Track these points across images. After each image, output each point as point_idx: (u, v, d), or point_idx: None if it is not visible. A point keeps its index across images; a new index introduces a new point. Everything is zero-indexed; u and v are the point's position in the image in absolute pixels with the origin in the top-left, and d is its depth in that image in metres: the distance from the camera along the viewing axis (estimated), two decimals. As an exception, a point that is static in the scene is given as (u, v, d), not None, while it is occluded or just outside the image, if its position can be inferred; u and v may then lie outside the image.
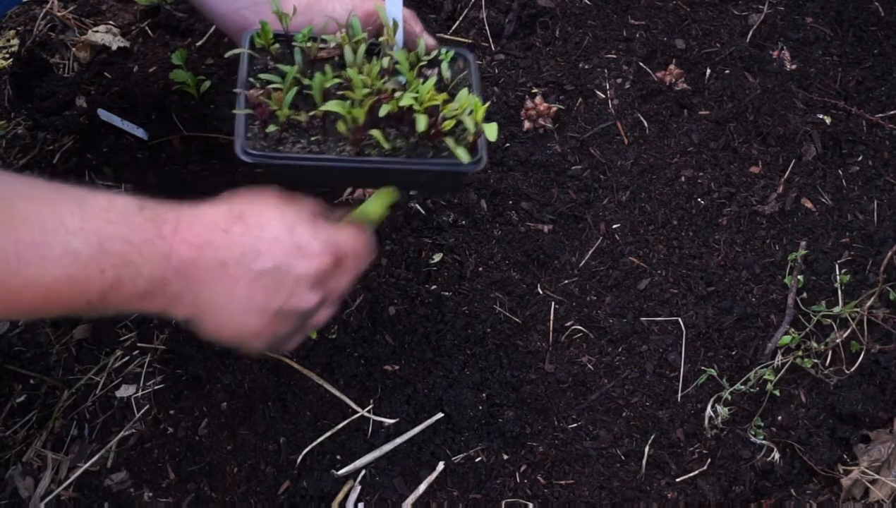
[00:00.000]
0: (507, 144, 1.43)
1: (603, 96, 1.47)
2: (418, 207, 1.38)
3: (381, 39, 1.09)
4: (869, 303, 1.23)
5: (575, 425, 1.24)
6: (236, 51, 1.10)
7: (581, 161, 1.42)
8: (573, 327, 1.30)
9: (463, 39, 1.52)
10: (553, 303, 1.32)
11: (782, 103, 1.45)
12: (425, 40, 1.10)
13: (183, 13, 1.60)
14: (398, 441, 1.22)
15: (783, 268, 1.33)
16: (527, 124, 1.44)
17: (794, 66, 1.48)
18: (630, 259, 1.34)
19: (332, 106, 1.01)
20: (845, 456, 1.21)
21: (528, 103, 1.45)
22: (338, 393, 1.25)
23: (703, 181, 1.40)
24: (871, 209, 1.37)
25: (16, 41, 1.63)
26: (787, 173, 1.40)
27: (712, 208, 1.38)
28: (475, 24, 1.54)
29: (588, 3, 1.55)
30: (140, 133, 1.45)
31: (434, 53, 1.12)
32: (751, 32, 1.51)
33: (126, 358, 1.31)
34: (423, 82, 1.04)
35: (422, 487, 1.19)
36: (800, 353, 1.23)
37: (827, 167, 1.41)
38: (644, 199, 1.39)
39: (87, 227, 0.76)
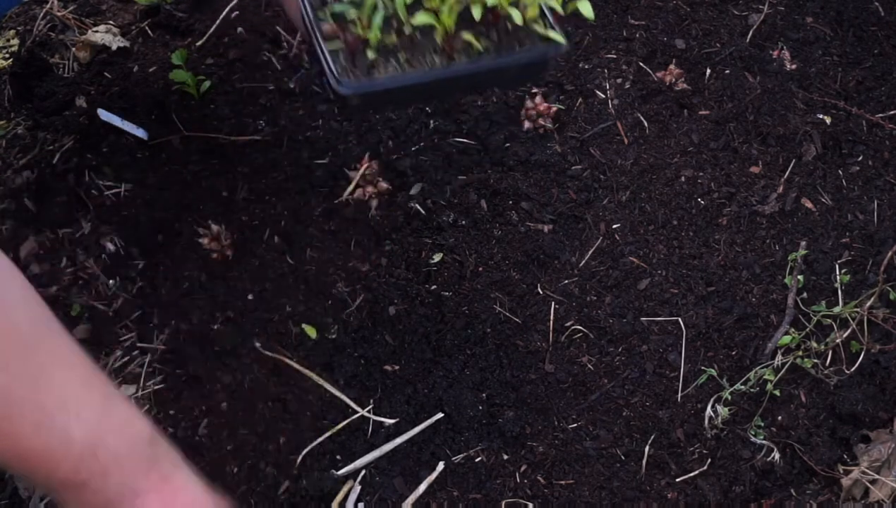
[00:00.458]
0: (507, 144, 1.43)
1: (603, 96, 1.47)
2: (418, 207, 1.38)
3: None
4: (869, 303, 1.23)
5: (575, 425, 1.24)
6: None
7: (581, 161, 1.42)
8: (573, 327, 1.30)
9: (463, 39, 1.52)
10: (553, 303, 1.32)
11: (782, 103, 1.45)
12: None
13: (183, 13, 1.60)
14: (398, 441, 1.22)
15: (783, 268, 1.33)
16: (527, 124, 1.44)
17: (794, 66, 1.48)
18: (630, 259, 1.34)
19: (422, 18, 0.99)
20: (845, 456, 1.21)
21: (528, 103, 1.45)
22: (338, 393, 1.25)
23: (703, 181, 1.40)
24: (871, 209, 1.37)
25: (16, 41, 1.63)
26: (787, 173, 1.40)
27: (712, 208, 1.38)
28: (475, 24, 1.54)
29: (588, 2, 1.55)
30: (140, 133, 1.45)
31: None
32: (751, 32, 1.51)
33: (126, 358, 1.31)
34: None
35: (422, 487, 1.19)
36: (800, 353, 1.23)
37: (827, 167, 1.41)
38: (644, 199, 1.39)
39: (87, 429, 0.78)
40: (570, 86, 1.47)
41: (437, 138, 1.42)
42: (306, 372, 1.27)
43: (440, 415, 1.23)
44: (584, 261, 1.35)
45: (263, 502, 1.19)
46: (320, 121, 1.46)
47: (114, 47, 1.56)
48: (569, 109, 1.46)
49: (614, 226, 1.37)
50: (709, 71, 1.48)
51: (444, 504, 1.18)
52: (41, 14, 1.64)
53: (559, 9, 1.00)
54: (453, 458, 1.22)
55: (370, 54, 1.01)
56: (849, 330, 1.24)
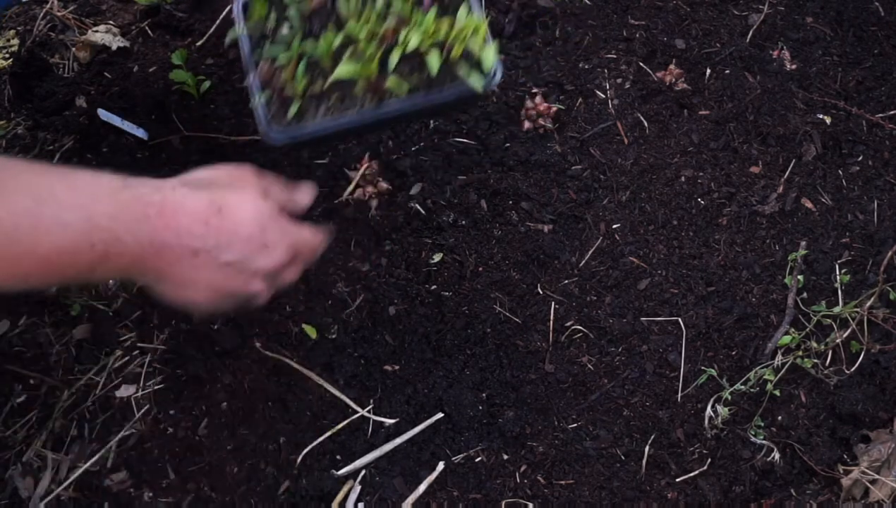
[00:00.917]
0: (507, 144, 1.43)
1: (603, 96, 1.47)
2: (418, 207, 1.38)
3: None
4: (869, 303, 1.23)
5: (575, 425, 1.24)
6: (234, 35, 1.09)
7: (581, 161, 1.42)
8: (573, 327, 1.30)
9: (463, 39, 1.52)
10: (553, 303, 1.32)
11: (782, 103, 1.45)
12: None
13: (183, 13, 1.60)
14: (398, 441, 1.22)
15: (783, 268, 1.33)
16: (527, 124, 1.44)
17: (794, 66, 1.48)
18: (630, 259, 1.34)
19: (343, 73, 1.00)
20: (845, 456, 1.21)
21: (528, 103, 1.45)
22: (338, 393, 1.25)
23: (703, 181, 1.40)
24: (871, 209, 1.37)
25: (16, 41, 1.63)
26: (787, 173, 1.40)
27: (712, 208, 1.38)
28: (475, 24, 1.54)
29: (588, 3, 1.55)
30: (140, 133, 1.45)
31: None
32: (751, 32, 1.51)
33: (126, 358, 1.31)
34: (424, 12, 1.02)
35: (422, 487, 1.19)
36: (800, 353, 1.23)
37: (827, 167, 1.41)
38: (644, 199, 1.39)
39: (77, 202, 0.80)
40: (570, 87, 1.47)
41: (437, 138, 1.42)
42: (306, 372, 1.27)
43: (440, 415, 1.23)
44: (584, 261, 1.35)
45: (263, 502, 1.20)
46: (320, 121, 1.46)
47: (114, 47, 1.56)
48: (569, 109, 1.46)
49: (614, 226, 1.37)
50: (709, 71, 1.48)
51: (444, 504, 1.18)
52: (41, 14, 1.64)
53: (479, 52, 1.00)
54: (453, 458, 1.22)
55: (294, 107, 1.02)
56: (849, 330, 1.24)
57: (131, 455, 1.24)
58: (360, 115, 1.02)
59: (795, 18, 1.53)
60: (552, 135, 1.44)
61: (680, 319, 1.30)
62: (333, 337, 1.29)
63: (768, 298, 1.31)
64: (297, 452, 1.22)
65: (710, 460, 1.21)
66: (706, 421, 1.22)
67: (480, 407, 1.24)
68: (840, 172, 1.41)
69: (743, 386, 1.23)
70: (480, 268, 1.35)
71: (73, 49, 1.59)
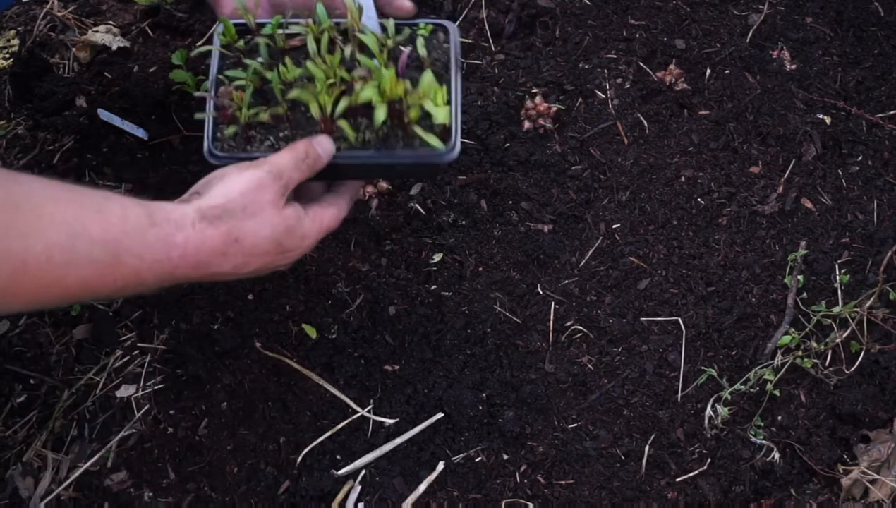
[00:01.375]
0: (507, 144, 1.43)
1: (603, 96, 1.47)
2: (418, 207, 1.38)
3: (346, 23, 1.08)
4: (869, 303, 1.23)
5: (575, 425, 1.24)
6: (205, 48, 1.10)
7: (581, 161, 1.42)
8: (573, 327, 1.30)
9: (463, 39, 1.52)
10: (553, 303, 1.32)
11: (782, 103, 1.45)
12: (399, 3, 1.10)
13: (183, 13, 1.60)
14: (398, 441, 1.22)
15: (783, 268, 1.33)
16: (527, 124, 1.44)
17: (794, 66, 1.48)
18: (630, 259, 1.35)
19: (298, 94, 1.01)
20: (845, 456, 1.21)
21: (528, 103, 1.45)
22: (338, 393, 1.26)
23: (703, 181, 1.40)
24: (871, 209, 1.37)
25: (16, 41, 1.63)
26: (787, 173, 1.40)
27: (712, 208, 1.38)
28: (475, 24, 1.54)
29: (588, 3, 1.55)
30: (140, 133, 1.45)
31: (405, 33, 1.09)
32: (751, 32, 1.51)
33: (126, 358, 1.31)
34: (392, 67, 1.03)
35: (422, 487, 1.19)
36: (800, 353, 1.23)
37: (827, 167, 1.41)
38: (644, 199, 1.39)
39: (107, 238, 0.84)
40: (570, 87, 1.47)
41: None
42: (306, 372, 1.27)
43: (440, 415, 1.23)
44: (584, 261, 1.35)
45: (263, 502, 1.20)
46: (320, 121, 1.46)
47: (114, 47, 1.56)
48: (569, 109, 1.46)
49: (614, 226, 1.37)
50: (709, 71, 1.48)
51: (444, 504, 1.18)
52: (41, 14, 1.64)
53: (437, 116, 1.00)
54: (453, 458, 1.22)
55: (230, 129, 1.04)
56: (849, 330, 1.24)
57: (131, 455, 1.24)
58: None
59: (795, 18, 1.53)
60: (552, 135, 1.44)
61: (680, 319, 1.30)
62: (333, 337, 1.29)
63: (768, 298, 1.31)
64: (297, 452, 1.22)
65: (710, 460, 1.21)
66: (706, 421, 1.22)
67: (480, 407, 1.24)
68: (840, 172, 1.41)
69: (743, 386, 1.23)
70: (480, 268, 1.35)
71: (73, 49, 1.59)
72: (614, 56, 1.50)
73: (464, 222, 1.37)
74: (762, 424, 1.22)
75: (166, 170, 1.43)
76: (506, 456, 1.22)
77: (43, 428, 1.27)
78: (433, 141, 1.00)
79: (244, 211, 0.95)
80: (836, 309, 1.26)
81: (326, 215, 1.04)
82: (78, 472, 1.23)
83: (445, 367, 1.27)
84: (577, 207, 1.39)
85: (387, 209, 1.38)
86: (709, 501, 1.18)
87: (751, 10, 1.54)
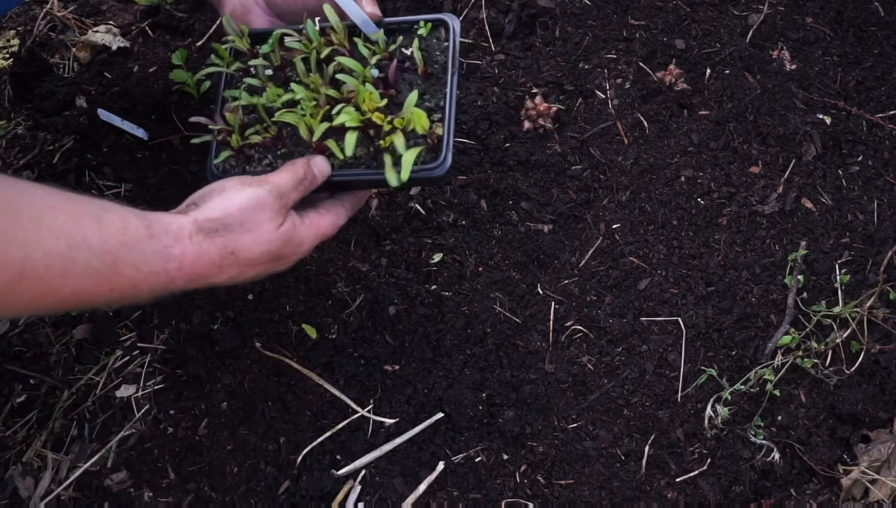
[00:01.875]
0: (507, 144, 1.43)
1: (603, 96, 1.47)
2: (418, 207, 1.38)
3: (334, 43, 1.08)
4: (869, 303, 1.23)
5: (575, 425, 1.24)
6: (210, 70, 1.13)
7: (581, 161, 1.42)
8: (573, 327, 1.30)
9: (463, 39, 1.52)
10: (553, 303, 1.32)
11: (782, 103, 1.45)
12: (362, 12, 1.11)
13: (183, 13, 1.60)
14: (398, 441, 1.22)
15: (783, 268, 1.33)
16: (527, 124, 1.44)
17: (794, 66, 1.48)
18: (630, 259, 1.35)
19: (285, 117, 1.02)
20: (845, 456, 1.21)
21: (528, 103, 1.45)
22: (338, 393, 1.26)
23: (703, 181, 1.40)
24: (871, 209, 1.37)
25: (16, 41, 1.63)
26: (787, 173, 1.40)
27: (712, 208, 1.38)
28: (475, 24, 1.54)
29: (588, 3, 1.55)
30: (140, 133, 1.45)
31: (397, 44, 1.09)
32: (751, 32, 1.51)
33: (126, 358, 1.31)
34: (372, 87, 1.04)
35: (422, 487, 1.19)
36: (800, 353, 1.23)
37: (827, 167, 1.41)
38: (644, 199, 1.39)
39: (105, 248, 0.85)
40: (570, 87, 1.47)
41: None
42: (306, 372, 1.27)
43: (440, 415, 1.23)
44: (584, 261, 1.35)
45: (263, 502, 1.20)
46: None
47: (114, 47, 1.56)
48: (569, 109, 1.46)
49: (614, 226, 1.37)
50: (709, 71, 1.48)
51: (444, 504, 1.18)
52: (41, 14, 1.64)
53: (403, 153, 1.02)
54: (453, 458, 1.22)
55: (224, 154, 1.08)
56: (849, 330, 1.24)
57: (131, 455, 1.24)
58: None
59: (795, 18, 1.53)
60: (552, 135, 1.44)
61: (680, 319, 1.30)
62: (333, 337, 1.29)
63: (768, 298, 1.31)
64: (297, 452, 1.22)
65: (710, 460, 1.21)
66: (706, 421, 1.22)
67: (480, 407, 1.24)
68: (840, 172, 1.41)
69: (743, 386, 1.23)
70: (480, 268, 1.35)
71: (73, 49, 1.59)
72: (614, 56, 1.50)
73: (464, 222, 1.37)
74: (762, 424, 1.22)
75: (166, 170, 1.43)
76: (506, 456, 1.22)
77: (43, 428, 1.27)
78: (392, 176, 1.02)
79: (241, 226, 0.96)
80: (837, 309, 1.26)
81: (323, 222, 1.05)
82: (78, 472, 1.23)
83: (445, 367, 1.27)
84: (577, 207, 1.39)
85: (387, 209, 1.38)
86: (709, 501, 1.18)
87: (751, 10, 1.54)
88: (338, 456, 1.22)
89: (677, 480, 1.20)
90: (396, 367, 1.27)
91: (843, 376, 1.23)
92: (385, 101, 1.04)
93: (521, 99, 1.46)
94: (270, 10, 1.19)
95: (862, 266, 1.32)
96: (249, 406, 1.26)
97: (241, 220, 0.96)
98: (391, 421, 1.23)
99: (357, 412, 1.24)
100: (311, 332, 1.29)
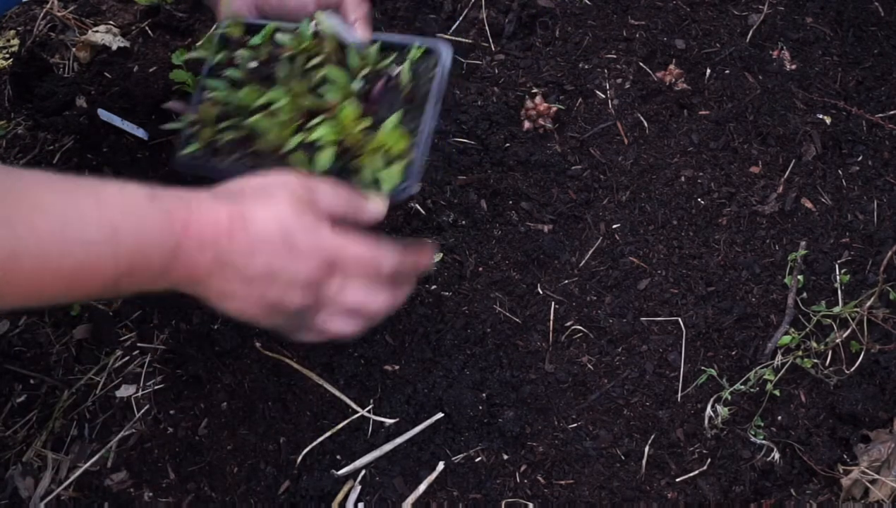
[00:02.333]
0: (507, 144, 1.43)
1: (603, 96, 1.47)
2: (418, 207, 1.38)
3: (323, 53, 1.07)
4: (869, 303, 1.23)
5: (575, 425, 1.24)
6: (194, 54, 1.11)
7: (581, 161, 1.42)
8: (573, 327, 1.30)
9: (463, 39, 1.52)
10: (553, 303, 1.32)
11: (782, 103, 1.45)
12: (355, 35, 1.07)
13: (183, 13, 1.60)
14: (398, 441, 1.22)
15: (783, 268, 1.33)
16: (527, 124, 1.44)
17: (794, 66, 1.48)
18: (630, 259, 1.35)
19: (258, 122, 1.01)
20: (845, 456, 1.21)
21: (528, 103, 1.45)
22: (338, 393, 1.26)
23: (703, 181, 1.40)
24: (871, 209, 1.37)
25: (16, 41, 1.63)
26: (787, 173, 1.40)
27: (712, 208, 1.38)
28: (475, 24, 1.54)
29: (588, 3, 1.55)
30: (140, 133, 1.45)
31: (388, 61, 1.06)
32: (751, 32, 1.51)
33: (126, 358, 1.31)
34: (355, 104, 1.02)
35: (422, 487, 1.19)
36: (800, 353, 1.23)
37: (827, 167, 1.41)
38: (644, 199, 1.39)
39: (103, 218, 0.80)
40: (570, 87, 1.47)
41: (437, 138, 1.42)
42: (306, 372, 1.27)
43: (440, 415, 1.23)
44: (584, 261, 1.35)
45: (263, 502, 1.20)
46: (320, 121, 1.46)
47: (114, 47, 1.56)
48: (569, 109, 1.46)
49: (614, 226, 1.37)
50: (709, 71, 1.48)
51: (444, 504, 1.18)
52: (41, 14, 1.65)
53: (386, 182, 1.00)
54: (453, 458, 1.22)
55: (192, 147, 1.05)
56: (849, 330, 1.24)
57: (131, 455, 1.24)
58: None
59: (795, 18, 1.53)
60: (552, 135, 1.44)
61: (680, 319, 1.30)
62: (333, 337, 1.29)
63: (768, 298, 1.31)
64: (297, 452, 1.22)
65: (710, 460, 1.21)
66: (706, 421, 1.22)
67: (480, 407, 1.24)
68: (840, 172, 1.41)
69: (743, 386, 1.23)
70: (480, 268, 1.35)
71: (73, 49, 1.59)
72: (614, 56, 1.50)
73: (464, 222, 1.37)
74: (762, 424, 1.22)
75: (166, 170, 1.43)
76: (506, 456, 1.22)
77: (43, 428, 1.27)
78: (388, 180, 1.00)
79: (256, 194, 0.88)
80: (836, 309, 1.26)
81: (358, 241, 0.95)
82: (78, 472, 1.23)
83: (445, 367, 1.27)
84: (577, 207, 1.39)
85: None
86: (709, 501, 1.18)
87: (751, 10, 1.54)
88: (338, 456, 1.22)
89: (677, 480, 1.20)
90: (396, 367, 1.27)
91: (843, 376, 1.23)
92: (368, 120, 1.02)
93: (521, 99, 1.46)
94: (257, 11, 1.18)
95: (862, 266, 1.32)
96: (249, 406, 1.26)
97: (262, 190, 0.88)
98: (391, 421, 1.23)
99: (357, 412, 1.24)
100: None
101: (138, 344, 1.32)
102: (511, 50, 1.52)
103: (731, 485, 1.19)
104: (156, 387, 1.28)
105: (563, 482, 1.20)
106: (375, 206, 0.99)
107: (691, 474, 1.20)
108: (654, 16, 1.53)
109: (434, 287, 1.33)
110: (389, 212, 1.37)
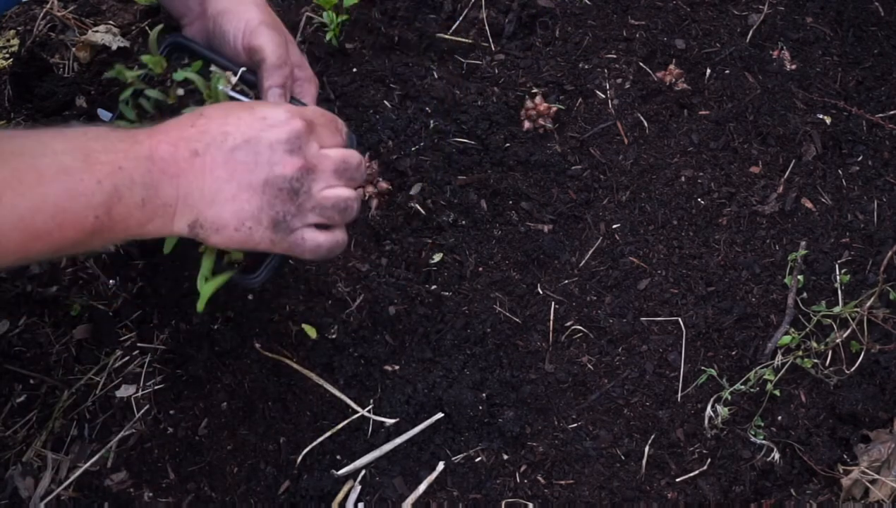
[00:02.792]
0: (507, 144, 1.43)
1: (603, 96, 1.47)
2: (418, 207, 1.38)
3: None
4: (869, 303, 1.23)
5: (575, 425, 1.24)
6: (110, 74, 1.12)
7: (581, 161, 1.42)
8: (573, 327, 1.30)
9: (463, 39, 1.52)
10: (553, 303, 1.32)
11: (782, 103, 1.45)
12: (301, 90, 1.12)
13: (183, 13, 1.60)
14: (398, 441, 1.22)
15: (783, 268, 1.33)
16: (527, 124, 1.44)
17: (794, 66, 1.48)
18: (630, 259, 1.34)
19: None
20: (845, 456, 1.21)
21: (528, 103, 1.45)
22: (338, 393, 1.25)
23: (703, 181, 1.40)
24: (871, 209, 1.37)
25: (16, 41, 1.63)
26: (787, 173, 1.40)
27: (712, 208, 1.38)
28: (475, 24, 1.54)
29: (588, 3, 1.55)
30: (140, 133, 1.45)
31: None
32: (751, 32, 1.51)
33: (126, 358, 1.31)
34: None
35: (422, 487, 1.19)
36: (800, 353, 1.23)
37: (827, 167, 1.41)
38: (644, 199, 1.39)
39: (72, 146, 0.83)
40: (570, 87, 1.47)
41: (437, 138, 1.42)
42: (306, 372, 1.27)
43: (440, 415, 1.23)
44: (584, 261, 1.35)
45: (263, 502, 1.20)
46: (320, 121, 1.46)
47: (114, 47, 1.56)
48: (569, 109, 1.46)
49: (614, 226, 1.37)
50: (709, 71, 1.48)
51: (444, 504, 1.18)
52: (41, 14, 1.64)
53: (205, 287, 1.03)
54: (453, 458, 1.22)
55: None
56: (849, 330, 1.24)
57: (131, 455, 1.24)
58: None
59: (795, 18, 1.53)
60: (552, 135, 1.44)
61: (680, 319, 1.30)
62: (333, 337, 1.29)
63: (768, 298, 1.31)
64: (297, 452, 1.22)
65: (710, 460, 1.21)
66: (706, 421, 1.22)
67: (480, 407, 1.24)
68: (840, 172, 1.41)
69: (743, 386, 1.23)
70: (480, 268, 1.35)
71: (73, 49, 1.59)
72: (614, 56, 1.50)
73: (464, 222, 1.37)
74: (762, 424, 1.22)
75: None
76: (506, 456, 1.22)
77: (43, 428, 1.27)
78: (207, 292, 1.02)
79: (236, 105, 0.94)
80: (837, 309, 1.26)
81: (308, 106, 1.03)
82: (78, 472, 1.23)
83: (445, 367, 1.27)
84: (577, 207, 1.39)
85: (387, 209, 1.38)
86: (709, 501, 1.18)
87: (751, 10, 1.54)
88: (338, 456, 1.22)
89: (677, 480, 1.20)
90: (396, 367, 1.27)
91: (843, 376, 1.23)
92: None
93: (521, 99, 1.46)
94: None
95: (862, 266, 1.32)
96: (249, 406, 1.26)
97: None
98: (391, 421, 1.23)
99: (357, 412, 1.24)
100: (311, 332, 1.29)
101: (138, 344, 1.32)
102: (511, 50, 1.52)
103: (731, 485, 1.19)
104: (156, 387, 1.28)
105: (563, 482, 1.20)
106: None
107: (691, 474, 1.20)
108: (654, 16, 1.53)
109: (434, 287, 1.33)
110: (389, 212, 1.38)
